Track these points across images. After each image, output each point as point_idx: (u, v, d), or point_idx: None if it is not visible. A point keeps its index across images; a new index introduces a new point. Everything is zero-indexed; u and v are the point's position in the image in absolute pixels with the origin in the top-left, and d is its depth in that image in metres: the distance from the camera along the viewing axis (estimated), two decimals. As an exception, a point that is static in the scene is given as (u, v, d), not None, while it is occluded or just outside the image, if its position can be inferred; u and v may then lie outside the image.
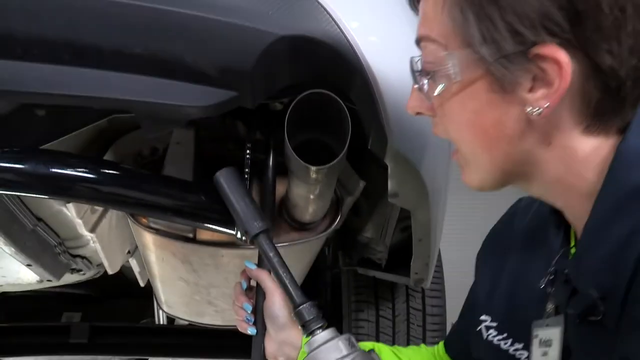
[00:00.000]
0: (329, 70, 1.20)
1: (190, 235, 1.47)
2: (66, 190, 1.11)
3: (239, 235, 1.28)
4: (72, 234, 1.61)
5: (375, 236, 1.85)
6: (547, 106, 0.75)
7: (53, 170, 1.10)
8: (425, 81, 0.84)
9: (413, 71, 0.86)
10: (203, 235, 1.49)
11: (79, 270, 1.85)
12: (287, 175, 1.34)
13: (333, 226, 1.56)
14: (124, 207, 1.16)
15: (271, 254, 1.13)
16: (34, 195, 1.12)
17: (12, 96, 1.07)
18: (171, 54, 1.09)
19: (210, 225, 1.27)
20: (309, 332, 1.04)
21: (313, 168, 1.20)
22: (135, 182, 1.15)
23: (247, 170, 1.30)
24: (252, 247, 1.50)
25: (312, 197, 1.35)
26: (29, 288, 2.06)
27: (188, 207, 1.21)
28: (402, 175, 1.36)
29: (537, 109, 0.76)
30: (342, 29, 1.16)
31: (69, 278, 1.96)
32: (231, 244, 1.50)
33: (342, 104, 1.19)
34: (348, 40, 1.17)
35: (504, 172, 0.83)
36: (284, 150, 1.27)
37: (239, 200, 1.16)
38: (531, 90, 0.76)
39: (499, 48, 0.75)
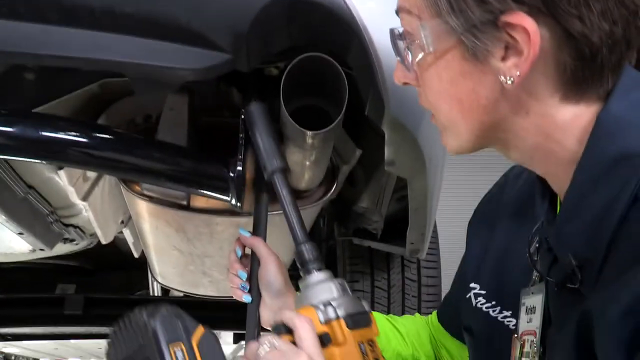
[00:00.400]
0: (326, 33, 1.17)
1: (184, 202, 1.44)
2: (56, 154, 1.09)
3: (233, 201, 1.26)
4: (64, 202, 1.58)
5: (371, 206, 1.84)
6: (519, 75, 0.75)
7: (43, 133, 1.07)
8: (407, 53, 0.85)
9: (394, 42, 0.86)
10: (197, 202, 1.46)
11: (72, 240, 1.83)
12: (283, 142, 1.32)
13: (329, 194, 1.55)
14: (116, 172, 1.14)
15: (284, 192, 1.13)
16: (23, 159, 1.09)
17: (-2, 56, 1.04)
18: (163, 13, 1.06)
19: (205, 192, 1.24)
20: (306, 271, 1.04)
21: (309, 133, 1.17)
22: (127, 145, 1.13)
23: (241, 135, 1.27)
24: (247, 214, 1.49)
25: (307, 163, 1.33)
26: (21, 258, 2.04)
27: (182, 172, 1.19)
28: (399, 142, 1.35)
29: (509, 77, 0.75)
30: (339, -11, 1.13)
31: (62, 248, 1.94)
32: (226, 211, 1.48)
33: (339, 68, 1.16)
34: (345, 2, 1.14)
35: (480, 138, 0.83)
36: (280, 115, 1.24)
37: (265, 136, 1.16)
38: (503, 59, 0.75)
39: (467, 18, 0.75)
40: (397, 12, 0.85)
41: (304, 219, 1.54)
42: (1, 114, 1.06)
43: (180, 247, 1.70)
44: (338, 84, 1.20)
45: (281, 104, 1.17)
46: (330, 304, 0.94)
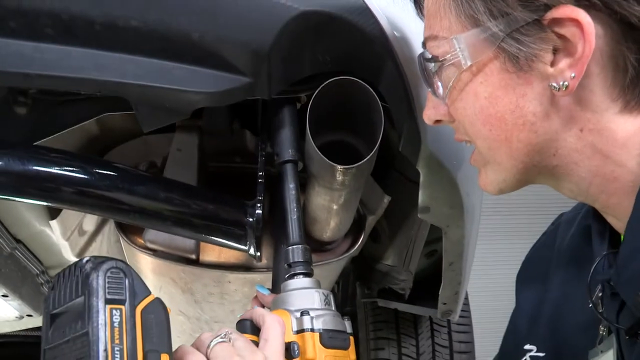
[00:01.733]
0: (357, 55, 1.05)
1: (193, 256, 1.27)
2: (48, 192, 0.92)
3: (251, 250, 1.08)
4: (56, 260, 1.41)
5: (397, 263, 1.67)
6: (574, 77, 0.67)
7: (32, 167, 0.91)
8: (437, 82, 0.78)
9: (423, 69, 0.79)
10: (207, 256, 1.29)
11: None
12: (306, 183, 1.16)
13: (356, 247, 1.37)
14: (118, 214, 0.97)
15: (291, 185, 1.03)
16: (6, 198, 0.92)
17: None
18: (173, 30, 0.94)
19: (219, 239, 1.07)
20: (291, 275, 0.95)
21: (340, 168, 1.02)
22: (132, 182, 0.96)
23: (260, 174, 1.11)
24: (263, 269, 1.32)
25: (335, 207, 1.16)
26: (6, 328, 1.84)
27: (193, 214, 1.02)
28: (435, 185, 1.22)
29: (561, 82, 0.67)
30: (370, 7, 1.01)
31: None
32: (239, 267, 1.30)
33: (373, 93, 1.02)
34: (378, 21, 1.01)
35: (526, 168, 0.75)
36: (305, 150, 1.09)
37: (287, 124, 1.07)
38: (552, 63, 0.68)
39: (510, 21, 0.68)
40: (424, 44, 0.79)
41: (326, 276, 1.37)
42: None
43: (187, 311, 1.51)
44: (371, 114, 1.07)
45: (307, 135, 1.02)
46: (308, 314, 0.86)
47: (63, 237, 1.29)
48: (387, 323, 1.91)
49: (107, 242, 1.49)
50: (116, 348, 0.63)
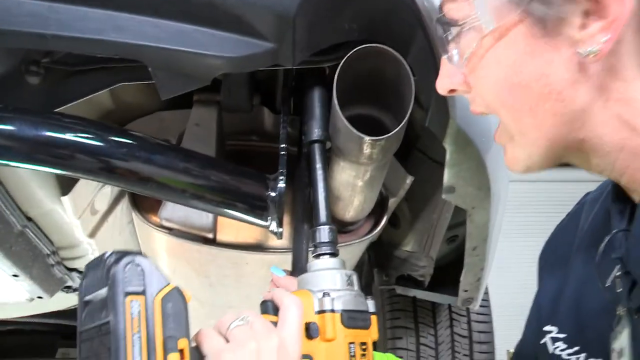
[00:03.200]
0: (386, 23, 1.01)
1: (210, 235, 1.22)
2: (62, 160, 0.87)
3: (273, 226, 1.03)
4: (68, 240, 1.36)
5: (417, 249, 1.62)
6: (606, 40, 0.62)
7: (46, 133, 0.86)
8: (454, 49, 0.73)
9: (443, 34, 0.74)
10: (225, 236, 1.24)
11: (75, 290, 1.59)
12: (331, 157, 1.11)
13: (379, 228, 1.33)
14: (135, 184, 0.91)
15: (318, 165, 1.03)
16: (21, 166, 0.87)
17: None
18: (195, -9, 0.88)
19: (239, 214, 1.02)
20: (316, 255, 0.96)
21: (368, 139, 0.97)
22: (150, 152, 0.91)
23: (283, 146, 1.06)
24: (282, 250, 1.27)
25: (360, 184, 1.11)
26: (17, 313, 1.80)
27: (213, 186, 0.97)
28: (462, 163, 1.17)
29: (591, 48, 0.63)
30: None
31: (63, 301, 1.70)
32: (257, 247, 1.25)
33: (404, 62, 0.96)
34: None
35: (552, 142, 0.70)
36: (330, 122, 1.04)
37: (317, 103, 1.05)
38: (582, 27, 0.64)
39: None
40: (441, 7, 0.74)
41: (348, 259, 1.32)
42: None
43: (201, 296, 1.46)
44: (399, 86, 1.02)
45: (334, 105, 0.97)
46: (329, 295, 0.86)
47: (75, 215, 1.24)
48: (405, 312, 1.86)
49: (120, 223, 1.44)
50: (135, 336, 0.67)
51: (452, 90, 0.77)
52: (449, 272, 1.63)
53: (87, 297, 0.73)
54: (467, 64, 0.72)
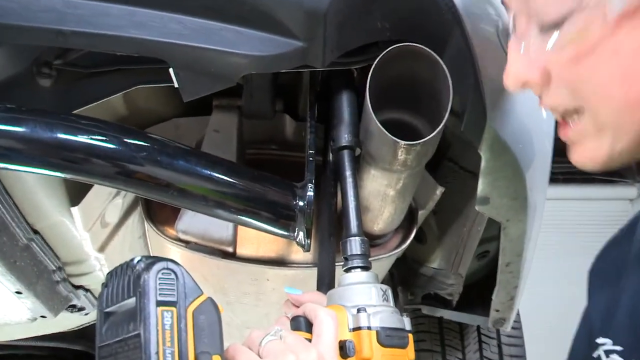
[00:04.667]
0: (419, 22, 1.00)
1: (230, 249, 1.20)
2: (76, 163, 0.86)
3: (300, 238, 1.01)
4: (75, 255, 1.34)
5: (445, 266, 1.59)
6: None
7: (60, 135, 0.85)
8: (553, 33, 0.68)
9: (512, 24, 0.73)
10: (245, 250, 1.22)
11: (80, 309, 1.56)
12: (361, 165, 1.09)
13: (408, 242, 1.30)
14: (154, 190, 0.90)
15: (348, 173, 1.02)
16: (29, 170, 0.86)
17: (13, 33, 0.83)
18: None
19: (264, 225, 1.00)
20: (348, 268, 0.94)
21: (403, 144, 0.95)
22: (170, 155, 0.90)
23: (310, 152, 1.05)
24: (306, 265, 1.25)
25: (391, 193, 1.10)
26: (18, 334, 1.77)
27: (237, 194, 0.95)
28: (498, 171, 1.16)
29: None
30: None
31: (68, 321, 1.67)
32: (280, 261, 1.24)
33: (441, 63, 0.95)
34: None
35: None
36: (360, 127, 1.03)
37: (346, 108, 1.04)
38: None
39: None
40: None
41: (377, 272, 1.29)
42: (4, 109, 0.84)
43: (215, 315, 1.43)
44: (434, 88, 1.00)
45: (366, 108, 0.95)
46: (365, 310, 0.85)
47: (84, 227, 1.22)
48: (430, 333, 1.83)
49: (131, 236, 1.43)
50: (167, 351, 0.65)
51: (524, 84, 0.74)
52: (479, 290, 1.60)
53: (110, 308, 0.71)
54: (563, 52, 0.68)
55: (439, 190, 1.32)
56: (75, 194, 1.20)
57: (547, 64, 0.70)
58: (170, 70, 0.91)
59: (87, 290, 1.49)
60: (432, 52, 0.95)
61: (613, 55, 0.65)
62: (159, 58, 0.88)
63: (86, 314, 1.60)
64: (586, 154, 0.73)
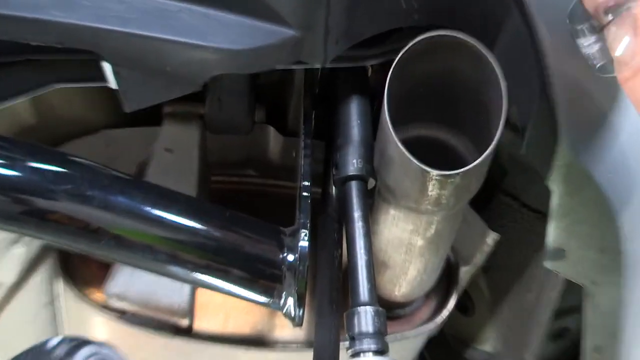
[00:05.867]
0: (461, 1, 1.08)
1: (185, 322, 1.29)
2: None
3: (289, 308, 1.11)
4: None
5: (502, 349, 1.68)
6: None
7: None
8: None
9: None
10: (206, 323, 1.31)
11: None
12: (374, 203, 1.20)
13: (444, 312, 1.39)
14: (78, 239, 0.98)
15: (357, 214, 1.11)
16: None
17: None
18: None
19: (237, 290, 1.10)
20: (355, 352, 1.02)
21: (435, 174, 1.04)
22: (105, 189, 0.99)
23: (303, 185, 1.14)
24: (297, 344, 1.33)
25: (419, 244, 1.19)
26: None
27: (202, 243, 1.04)
28: (577, 212, 1.23)
29: None
30: None
31: None
32: (258, 340, 1.33)
33: (490, 57, 1.05)
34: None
35: None
36: (376, 149, 1.12)
37: (355, 121, 1.15)
38: None
39: None
40: None
41: (400, 356, 1.39)
42: None
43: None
44: (482, 92, 1.10)
45: (385, 123, 1.05)
46: None
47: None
48: None
49: (36, 302, 1.51)
50: None
51: None
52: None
53: None
54: None
55: (491, 239, 1.42)
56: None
57: None
58: (106, 67, 1.00)
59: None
60: (479, 44, 1.04)
61: None
62: (91, 50, 0.97)
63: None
64: None
